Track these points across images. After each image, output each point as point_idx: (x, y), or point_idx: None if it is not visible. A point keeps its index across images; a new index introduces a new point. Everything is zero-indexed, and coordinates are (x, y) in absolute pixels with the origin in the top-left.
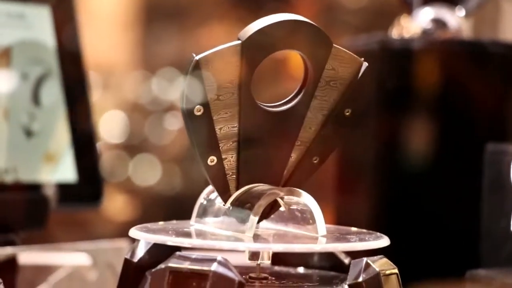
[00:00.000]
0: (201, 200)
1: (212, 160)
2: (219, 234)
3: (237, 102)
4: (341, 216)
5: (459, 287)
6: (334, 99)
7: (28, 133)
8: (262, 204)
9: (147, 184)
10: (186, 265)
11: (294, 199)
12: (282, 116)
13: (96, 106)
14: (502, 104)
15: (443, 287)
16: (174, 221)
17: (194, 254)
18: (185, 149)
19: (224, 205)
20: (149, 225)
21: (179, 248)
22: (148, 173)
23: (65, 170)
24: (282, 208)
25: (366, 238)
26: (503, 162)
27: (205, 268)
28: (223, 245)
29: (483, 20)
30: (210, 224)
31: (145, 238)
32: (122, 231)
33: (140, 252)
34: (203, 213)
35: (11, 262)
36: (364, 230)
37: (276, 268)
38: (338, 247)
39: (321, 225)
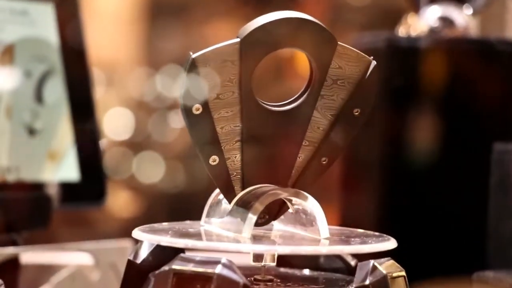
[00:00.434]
0: (211, 200)
1: (214, 160)
2: (221, 235)
3: (239, 101)
4: (346, 215)
5: None
6: (342, 98)
7: (31, 131)
8: (259, 204)
9: (151, 182)
10: (190, 267)
11: (299, 200)
12: (287, 115)
13: (100, 103)
14: (509, 102)
15: None
16: (188, 222)
17: (198, 256)
18: (189, 147)
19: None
20: (155, 225)
21: (183, 250)
22: (152, 170)
23: (68, 169)
24: (290, 210)
25: (373, 240)
26: (510, 161)
27: (209, 270)
28: (227, 246)
29: (490, 18)
30: (216, 224)
31: (147, 239)
32: (126, 229)
33: (144, 253)
34: (212, 213)
35: (13, 262)
36: (371, 232)
37: (282, 269)
38: (344, 250)
39: (324, 228)
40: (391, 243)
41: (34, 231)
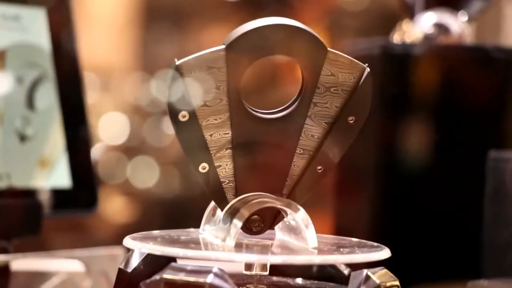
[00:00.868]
0: (210, 207)
1: (203, 167)
2: (212, 243)
3: (227, 108)
4: (341, 222)
5: None
6: (337, 106)
7: (22, 138)
8: (245, 210)
9: (145, 187)
10: (181, 276)
11: (289, 210)
12: (278, 123)
13: (95, 108)
14: (505, 109)
15: None
16: (192, 229)
17: (190, 265)
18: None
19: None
20: (153, 232)
21: (175, 258)
22: (146, 175)
23: (59, 176)
24: (285, 219)
25: (367, 249)
26: (505, 169)
27: (201, 279)
28: (218, 256)
29: (485, 25)
30: (210, 232)
31: (137, 247)
32: (120, 235)
33: (135, 262)
34: (209, 221)
35: (4, 269)
36: (365, 241)
37: (274, 278)
38: (338, 259)
39: (312, 237)
40: (384, 253)
41: (25, 238)
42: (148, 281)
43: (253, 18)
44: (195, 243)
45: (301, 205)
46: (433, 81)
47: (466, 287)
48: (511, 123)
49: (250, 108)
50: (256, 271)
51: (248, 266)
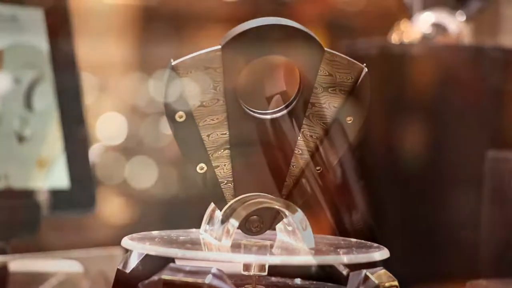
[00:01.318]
0: (210, 208)
1: (201, 167)
2: (210, 244)
3: (224, 109)
4: (339, 222)
5: None
6: (335, 106)
7: (20, 138)
8: (241, 212)
9: (144, 187)
10: (180, 277)
11: (286, 211)
12: (276, 123)
13: (93, 108)
14: (503, 109)
15: None
16: (193, 230)
17: (189, 266)
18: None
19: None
20: (154, 233)
21: (173, 259)
22: (144, 176)
23: (57, 176)
24: (285, 220)
25: (365, 250)
26: (504, 169)
27: (200, 280)
28: (217, 257)
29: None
30: (209, 232)
31: (135, 248)
32: (118, 236)
33: (133, 262)
34: (208, 221)
35: (2, 270)
36: (363, 242)
37: (273, 279)
38: (337, 260)
39: (310, 238)
40: (383, 253)
41: (23, 239)
42: (146, 281)
43: (250, 18)
44: (193, 244)
45: (300, 205)
46: (431, 81)
47: (465, 287)
48: (509, 123)
49: (248, 109)
50: (254, 271)
51: (247, 267)
